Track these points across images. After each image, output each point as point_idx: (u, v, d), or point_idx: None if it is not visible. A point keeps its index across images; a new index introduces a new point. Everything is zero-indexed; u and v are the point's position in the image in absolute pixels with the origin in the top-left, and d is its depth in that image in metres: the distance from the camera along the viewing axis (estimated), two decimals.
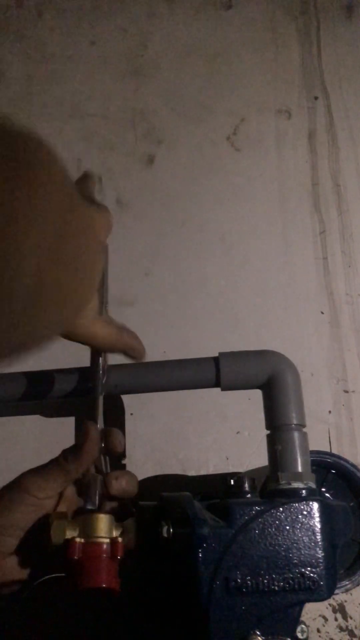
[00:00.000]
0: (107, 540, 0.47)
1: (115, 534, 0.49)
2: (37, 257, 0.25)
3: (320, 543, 0.50)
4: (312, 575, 0.49)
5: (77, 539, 0.47)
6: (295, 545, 0.50)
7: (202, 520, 0.50)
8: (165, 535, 0.49)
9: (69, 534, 0.47)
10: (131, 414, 0.84)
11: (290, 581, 0.49)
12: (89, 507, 0.51)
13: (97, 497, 0.52)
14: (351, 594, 0.77)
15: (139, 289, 0.92)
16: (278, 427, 0.56)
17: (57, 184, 0.28)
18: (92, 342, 0.48)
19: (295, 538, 0.50)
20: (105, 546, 0.47)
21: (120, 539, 0.48)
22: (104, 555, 0.47)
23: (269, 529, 0.50)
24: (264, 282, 0.95)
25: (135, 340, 0.52)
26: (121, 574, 0.48)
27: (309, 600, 0.50)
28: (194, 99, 1.06)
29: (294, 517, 0.51)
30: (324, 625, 0.77)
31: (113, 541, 0.48)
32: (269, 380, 0.57)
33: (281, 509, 0.51)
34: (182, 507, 0.50)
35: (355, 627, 0.77)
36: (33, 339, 0.30)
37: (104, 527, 0.48)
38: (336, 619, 0.77)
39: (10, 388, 0.63)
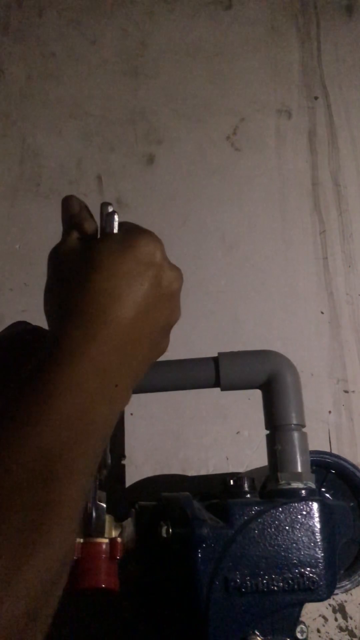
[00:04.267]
0: (106, 541, 0.47)
1: (114, 534, 0.49)
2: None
3: (319, 543, 0.50)
4: (311, 575, 0.49)
5: (76, 539, 0.47)
6: (294, 545, 0.50)
7: (201, 520, 0.50)
8: (164, 535, 0.49)
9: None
10: (131, 414, 0.84)
11: (290, 581, 0.49)
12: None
13: (96, 497, 0.52)
14: (351, 594, 0.77)
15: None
16: (278, 427, 0.56)
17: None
18: None
19: (295, 538, 0.50)
20: (104, 546, 0.47)
21: (119, 539, 0.48)
22: (103, 556, 0.47)
23: (269, 529, 0.50)
24: (264, 282, 0.95)
25: None
26: (121, 574, 0.48)
27: (309, 601, 0.50)
28: (194, 99, 1.06)
29: (293, 517, 0.51)
30: (324, 625, 0.77)
31: (112, 541, 0.48)
32: (268, 380, 0.57)
33: (281, 509, 0.51)
34: (182, 507, 0.50)
35: (355, 627, 0.76)
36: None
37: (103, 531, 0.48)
38: (336, 619, 0.77)
39: None
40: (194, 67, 1.08)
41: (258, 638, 0.48)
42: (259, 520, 0.51)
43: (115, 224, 0.41)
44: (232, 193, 1.00)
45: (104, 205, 0.42)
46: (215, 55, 1.09)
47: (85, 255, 0.39)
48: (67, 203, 0.44)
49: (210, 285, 0.94)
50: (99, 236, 0.42)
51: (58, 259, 0.41)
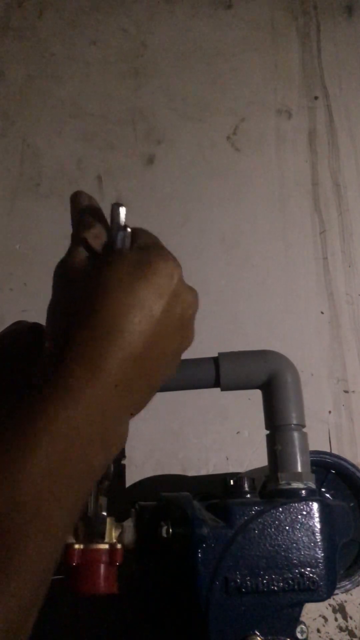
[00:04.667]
0: (106, 547, 0.47)
1: (114, 534, 0.49)
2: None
3: (319, 543, 0.50)
4: (311, 575, 0.49)
5: (76, 545, 0.46)
6: (294, 545, 0.50)
7: (201, 520, 0.50)
8: (164, 535, 0.49)
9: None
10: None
11: (290, 581, 0.49)
12: (89, 513, 0.51)
13: (96, 503, 0.51)
14: (351, 594, 0.77)
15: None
16: (278, 427, 0.56)
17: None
18: None
19: (295, 538, 0.50)
20: (104, 553, 0.47)
21: (119, 546, 0.48)
22: (102, 563, 0.47)
23: (269, 529, 0.50)
24: (264, 282, 0.95)
25: None
26: (121, 574, 0.48)
27: (309, 601, 0.50)
28: (194, 99, 1.06)
29: (293, 518, 0.51)
30: (324, 625, 0.77)
31: (112, 548, 0.47)
32: (268, 380, 0.57)
33: (281, 509, 0.51)
34: (182, 507, 0.50)
35: (355, 627, 0.76)
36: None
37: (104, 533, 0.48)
38: (336, 619, 0.77)
39: None
40: (194, 67, 1.08)
41: (258, 638, 0.48)
42: (259, 520, 0.51)
43: (128, 241, 0.36)
44: (232, 193, 1.00)
45: (115, 207, 0.37)
46: (215, 55, 1.09)
47: (94, 279, 0.34)
48: (76, 199, 0.41)
49: (210, 285, 0.94)
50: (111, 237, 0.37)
51: (64, 276, 0.37)
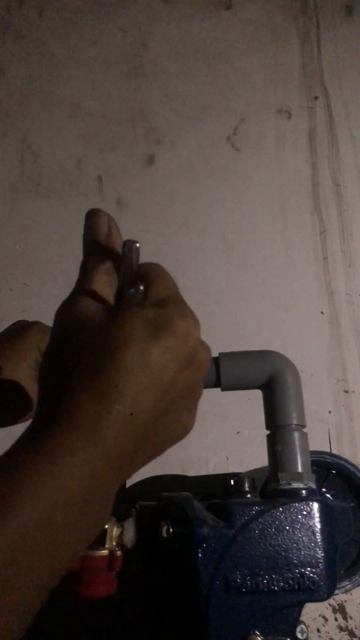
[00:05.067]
0: (106, 553, 0.47)
1: (115, 537, 0.49)
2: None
3: (320, 543, 0.50)
4: (311, 575, 0.49)
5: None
6: (295, 545, 0.50)
7: (201, 520, 0.50)
8: (165, 535, 0.49)
9: None
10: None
11: (290, 581, 0.49)
12: None
13: None
14: (351, 594, 0.77)
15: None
16: (278, 427, 0.56)
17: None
18: None
19: (295, 538, 0.50)
20: (104, 560, 0.47)
21: (119, 553, 0.48)
22: (102, 570, 0.47)
23: (269, 529, 0.50)
24: (264, 282, 0.95)
25: None
26: (121, 574, 0.48)
27: (309, 601, 0.50)
28: (194, 99, 1.06)
29: (293, 518, 0.51)
30: (324, 625, 0.77)
31: (112, 554, 0.47)
32: (269, 380, 0.57)
33: (281, 509, 0.51)
34: (182, 507, 0.50)
35: (355, 627, 0.76)
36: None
37: (104, 539, 0.48)
38: (336, 619, 0.77)
39: None
40: (194, 67, 1.08)
41: (258, 638, 0.48)
42: (260, 520, 0.51)
43: (140, 295, 0.32)
44: (232, 193, 1.00)
45: (128, 249, 0.32)
46: (215, 55, 1.09)
47: (101, 335, 0.30)
48: (93, 224, 0.35)
49: (210, 285, 0.94)
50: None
51: (68, 323, 0.32)
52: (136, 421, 0.30)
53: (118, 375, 0.29)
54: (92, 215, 0.35)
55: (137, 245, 0.32)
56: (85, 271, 0.33)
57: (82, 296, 0.32)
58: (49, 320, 0.50)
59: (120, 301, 0.32)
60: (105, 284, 0.33)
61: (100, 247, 0.34)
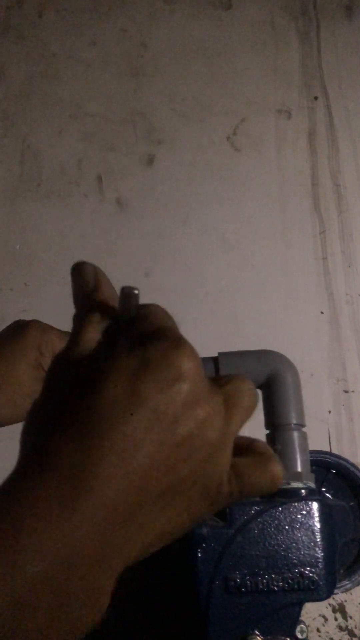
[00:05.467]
0: None
1: None
2: None
3: (319, 543, 0.50)
4: (311, 575, 0.49)
5: None
6: (294, 545, 0.50)
7: (201, 519, 0.50)
8: None
9: None
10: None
11: (290, 581, 0.49)
12: None
13: None
14: (351, 594, 0.77)
15: (139, 289, 0.92)
16: (277, 426, 0.56)
17: None
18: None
19: (295, 538, 0.50)
20: None
21: None
22: None
23: (269, 529, 0.50)
24: (264, 282, 0.95)
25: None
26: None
27: (309, 600, 0.50)
28: (194, 99, 1.06)
29: (293, 517, 0.51)
30: (324, 625, 0.77)
31: None
32: (268, 379, 0.57)
33: (280, 508, 0.51)
34: None
35: (355, 627, 0.76)
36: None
37: None
38: (336, 619, 0.77)
39: None
40: (194, 67, 1.08)
41: (258, 638, 0.48)
42: (259, 520, 0.51)
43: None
44: (232, 193, 1.00)
45: (127, 292, 0.30)
46: (215, 55, 1.09)
47: (83, 386, 0.27)
48: (79, 276, 0.32)
49: (210, 285, 0.94)
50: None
51: (58, 373, 0.29)
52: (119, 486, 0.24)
53: (88, 446, 0.24)
54: (78, 270, 0.32)
55: (136, 292, 0.30)
56: (75, 324, 0.31)
57: (74, 346, 0.29)
58: (49, 320, 0.50)
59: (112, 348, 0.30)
60: (96, 335, 0.30)
61: (90, 300, 0.31)
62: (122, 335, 0.29)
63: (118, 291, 0.31)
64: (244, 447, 0.31)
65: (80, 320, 0.31)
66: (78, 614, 0.24)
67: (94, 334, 0.30)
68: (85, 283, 0.32)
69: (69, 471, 0.24)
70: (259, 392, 0.60)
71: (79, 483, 0.23)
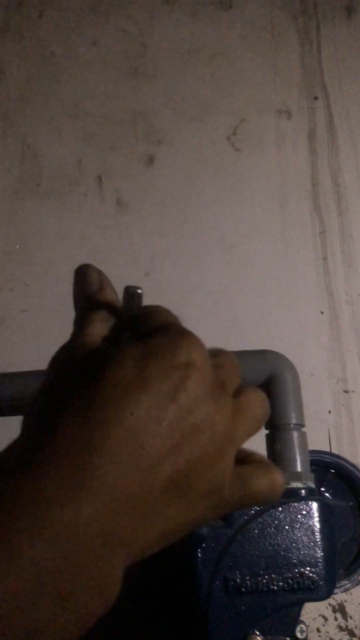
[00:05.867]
0: None
1: None
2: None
3: (319, 543, 0.50)
4: (311, 575, 0.50)
5: None
6: (294, 545, 0.50)
7: None
8: None
9: None
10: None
11: (290, 581, 0.49)
12: None
13: None
14: (351, 594, 0.77)
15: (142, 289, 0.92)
16: (277, 426, 0.56)
17: None
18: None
19: (295, 538, 0.50)
20: None
21: None
22: None
23: (268, 529, 0.50)
24: (264, 282, 0.95)
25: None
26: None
27: (308, 600, 0.50)
28: (194, 99, 1.06)
29: (293, 517, 0.51)
30: (324, 625, 0.77)
31: None
32: (268, 379, 0.57)
33: (280, 508, 0.51)
34: None
35: (355, 627, 0.77)
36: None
37: None
38: (336, 619, 0.77)
39: (9, 389, 0.63)
40: (194, 67, 1.08)
41: (258, 637, 0.48)
42: (259, 519, 0.51)
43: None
44: (232, 193, 1.00)
45: (131, 292, 0.30)
46: (215, 55, 1.09)
47: (90, 370, 0.26)
48: (84, 276, 0.32)
49: (210, 285, 0.94)
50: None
51: (63, 359, 0.29)
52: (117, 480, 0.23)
53: (94, 439, 0.24)
54: (82, 272, 0.32)
55: (140, 291, 0.30)
56: (79, 322, 0.30)
57: (76, 340, 0.29)
58: (49, 320, 0.50)
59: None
60: (101, 330, 0.30)
61: (94, 300, 0.31)
62: (127, 331, 0.29)
63: (119, 291, 0.31)
64: (244, 457, 0.31)
65: (84, 318, 0.30)
66: (84, 602, 0.22)
67: (99, 330, 0.30)
68: (89, 285, 0.32)
69: (74, 447, 0.23)
70: None
71: (85, 460, 0.23)
